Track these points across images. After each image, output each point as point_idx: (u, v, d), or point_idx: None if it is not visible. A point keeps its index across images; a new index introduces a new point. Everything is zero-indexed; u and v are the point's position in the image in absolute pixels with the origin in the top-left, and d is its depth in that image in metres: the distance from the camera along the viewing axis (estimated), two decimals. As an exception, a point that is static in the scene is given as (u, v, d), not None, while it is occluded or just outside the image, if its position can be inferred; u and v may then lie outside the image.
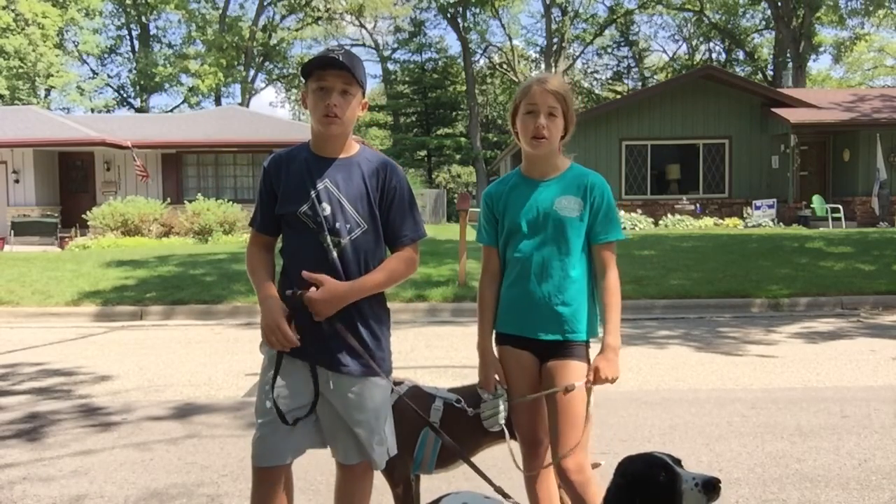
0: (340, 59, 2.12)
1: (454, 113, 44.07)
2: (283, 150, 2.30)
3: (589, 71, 48.94)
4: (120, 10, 41.80)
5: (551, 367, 2.30)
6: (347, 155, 2.25)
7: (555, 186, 2.34)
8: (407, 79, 44.00)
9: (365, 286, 2.18)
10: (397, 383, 2.53)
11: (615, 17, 43.43)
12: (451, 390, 2.63)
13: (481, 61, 46.16)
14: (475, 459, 2.57)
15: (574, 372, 2.29)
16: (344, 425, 2.19)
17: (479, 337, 2.46)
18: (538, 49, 46.25)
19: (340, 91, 2.14)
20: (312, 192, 2.17)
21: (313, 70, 2.15)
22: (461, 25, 40.91)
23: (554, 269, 2.30)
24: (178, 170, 21.90)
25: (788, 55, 36.44)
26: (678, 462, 1.79)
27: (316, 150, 2.24)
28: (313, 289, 2.11)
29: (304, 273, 2.12)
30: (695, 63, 43.76)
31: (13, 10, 33.70)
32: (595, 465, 2.74)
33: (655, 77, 46.27)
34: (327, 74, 2.13)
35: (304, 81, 2.23)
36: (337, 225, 2.17)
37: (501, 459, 2.70)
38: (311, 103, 2.17)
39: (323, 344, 2.16)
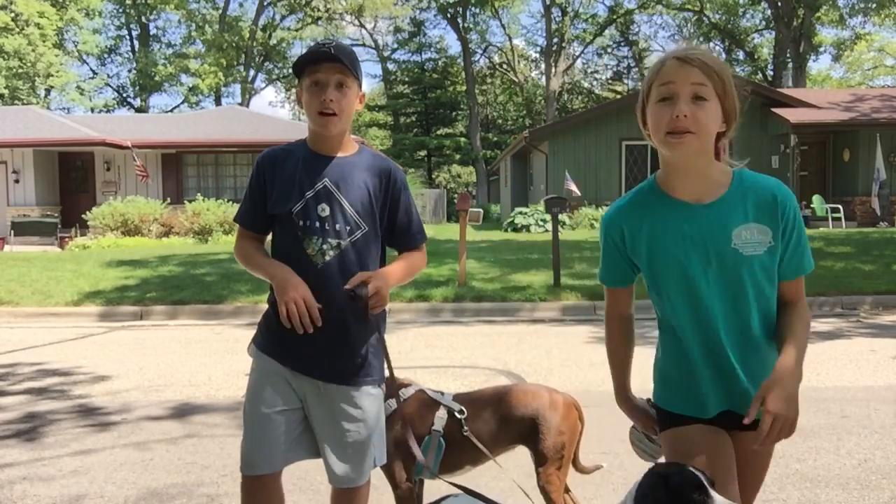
0: (333, 51, 2.00)
1: (454, 113, 44.10)
2: (279, 147, 2.17)
3: (589, 71, 48.98)
4: (120, 10, 41.80)
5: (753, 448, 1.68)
6: (347, 153, 2.13)
7: (726, 210, 1.66)
8: (407, 79, 44.02)
9: (392, 276, 2.09)
10: (404, 385, 2.51)
11: (615, 17, 43.43)
12: (457, 396, 2.58)
13: (481, 61, 46.21)
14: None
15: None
16: (333, 436, 2.09)
17: (615, 392, 2.08)
18: (538, 49, 46.30)
19: (336, 85, 2.02)
20: (309, 193, 2.05)
21: (305, 66, 2.04)
22: (461, 25, 40.91)
23: (743, 331, 1.70)
24: (178, 170, 21.90)
25: (788, 55, 36.44)
26: (712, 484, 1.67)
27: (314, 148, 2.12)
28: (374, 282, 1.98)
29: (350, 282, 1.98)
30: (695, 63, 43.68)
31: (12, 11, 33.70)
32: (597, 467, 2.74)
33: (655, 77, 46.20)
34: (320, 68, 2.01)
35: (297, 80, 2.11)
36: (337, 226, 2.06)
37: (502, 460, 2.70)
38: (306, 100, 2.05)
39: (316, 351, 2.06)
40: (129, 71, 43.83)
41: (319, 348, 2.05)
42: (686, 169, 1.67)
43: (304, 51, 2.08)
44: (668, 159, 1.67)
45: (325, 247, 2.05)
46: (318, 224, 2.05)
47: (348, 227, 2.07)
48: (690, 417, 1.75)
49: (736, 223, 1.64)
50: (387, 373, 2.24)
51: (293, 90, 47.58)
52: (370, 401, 2.12)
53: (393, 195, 2.14)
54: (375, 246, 2.14)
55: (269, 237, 2.20)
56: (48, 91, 39.70)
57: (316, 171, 2.08)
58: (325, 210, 2.05)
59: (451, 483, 2.07)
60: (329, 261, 2.05)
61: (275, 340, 2.11)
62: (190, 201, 19.28)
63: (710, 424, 1.73)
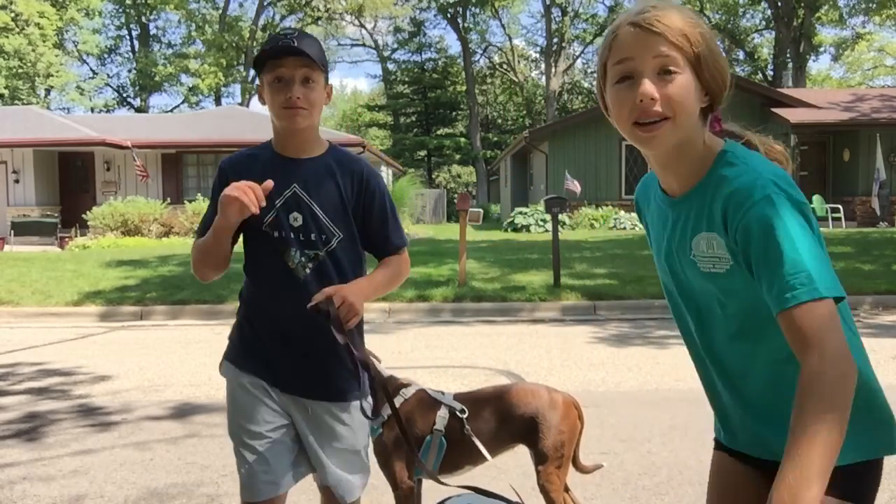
0: (296, 44, 1.81)
1: (454, 113, 44.14)
2: (242, 151, 2.01)
3: (589, 71, 48.94)
4: (120, 10, 41.84)
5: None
6: (315, 154, 1.96)
7: (691, 208, 1.30)
8: (407, 79, 44.06)
9: (364, 285, 1.92)
10: (404, 385, 2.52)
11: (615, 16, 43.44)
12: (458, 396, 2.58)
13: (481, 61, 46.23)
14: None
15: None
16: (330, 454, 1.97)
17: None
18: (538, 49, 46.32)
19: (301, 80, 1.84)
20: (279, 201, 1.89)
21: (267, 60, 1.85)
22: (461, 25, 40.95)
23: (722, 360, 1.34)
24: (178, 170, 21.91)
25: (788, 55, 36.47)
26: None
27: (280, 150, 1.95)
28: (339, 293, 1.79)
29: (315, 298, 1.80)
30: (695, 63, 43.72)
31: (12, 11, 33.73)
32: (597, 467, 2.74)
33: (655, 77, 46.25)
34: (283, 63, 1.83)
35: (257, 75, 1.92)
36: (311, 236, 1.90)
37: (502, 460, 2.71)
38: (269, 98, 1.87)
39: (300, 369, 1.94)
40: (129, 71, 43.88)
41: (303, 366, 1.94)
42: (663, 161, 1.30)
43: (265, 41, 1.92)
44: (644, 153, 1.30)
45: (303, 259, 1.91)
46: (292, 235, 1.90)
47: (323, 236, 1.92)
48: (720, 442, 1.48)
49: (698, 227, 1.27)
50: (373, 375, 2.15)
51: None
52: (359, 416, 2.00)
53: (365, 197, 1.97)
54: (354, 253, 1.98)
55: (244, 254, 2.03)
56: (48, 91, 39.73)
57: (283, 175, 1.90)
58: (297, 219, 1.90)
59: (464, 487, 2.07)
60: (309, 274, 1.91)
61: (250, 355, 1.98)
62: (190, 201, 19.29)
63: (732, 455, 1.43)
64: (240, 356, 2.00)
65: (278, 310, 1.93)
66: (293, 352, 1.93)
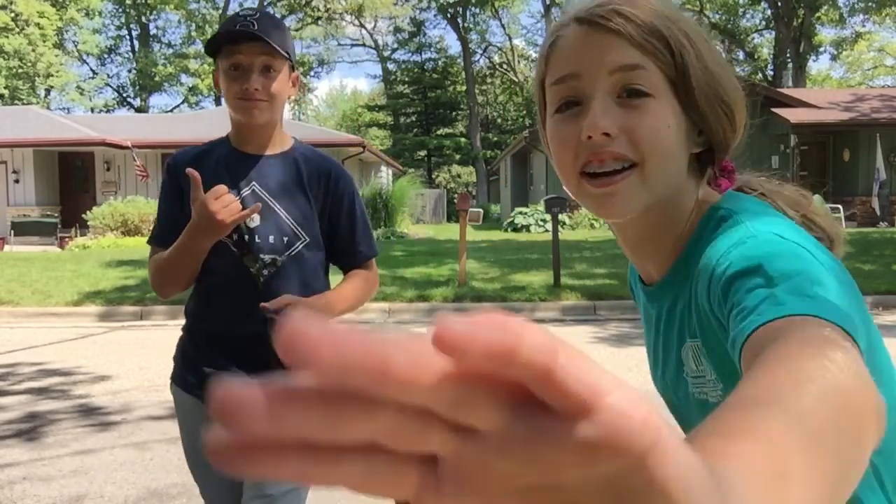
0: (255, 28, 1.61)
1: (454, 113, 44.17)
2: (192, 147, 1.82)
3: (589, 71, 49.04)
4: (120, 10, 41.88)
5: None
6: (278, 150, 1.77)
7: (671, 306, 0.87)
8: (407, 79, 44.11)
9: (333, 303, 1.72)
10: None
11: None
12: None
13: (481, 61, 46.27)
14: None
15: None
16: (257, 486, 1.72)
17: None
18: (538, 49, 46.36)
19: (261, 69, 1.63)
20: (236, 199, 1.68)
21: (222, 45, 1.65)
22: (461, 25, 40.98)
23: None
24: (178, 170, 21.93)
25: (788, 55, 36.49)
26: None
27: (237, 145, 1.75)
28: (300, 307, 1.58)
29: (272, 303, 1.58)
30: (695, 63, 43.80)
31: (12, 11, 33.76)
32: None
33: (655, 77, 46.34)
34: (241, 49, 1.62)
35: (213, 61, 1.74)
36: (271, 238, 1.71)
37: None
38: (224, 87, 1.67)
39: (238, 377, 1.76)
40: (129, 71, 43.92)
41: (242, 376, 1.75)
42: (640, 240, 0.87)
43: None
44: (605, 221, 0.86)
45: (257, 265, 1.71)
46: (246, 237, 1.70)
47: (286, 239, 1.72)
48: None
49: (683, 332, 0.84)
50: None
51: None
52: None
53: (333, 200, 1.78)
54: (318, 261, 1.79)
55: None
56: (48, 91, 39.79)
57: (240, 172, 1.72)
58: (255, 219, 1.69)
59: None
60: (265, 281, 1.71)
61: (191, 372, 1.80)
62: (190, 201, 19.31)
63: None
64: (181, 374, 1.83)
65: (226, 319, 1.74)
66: (235, 364, 1.73)
